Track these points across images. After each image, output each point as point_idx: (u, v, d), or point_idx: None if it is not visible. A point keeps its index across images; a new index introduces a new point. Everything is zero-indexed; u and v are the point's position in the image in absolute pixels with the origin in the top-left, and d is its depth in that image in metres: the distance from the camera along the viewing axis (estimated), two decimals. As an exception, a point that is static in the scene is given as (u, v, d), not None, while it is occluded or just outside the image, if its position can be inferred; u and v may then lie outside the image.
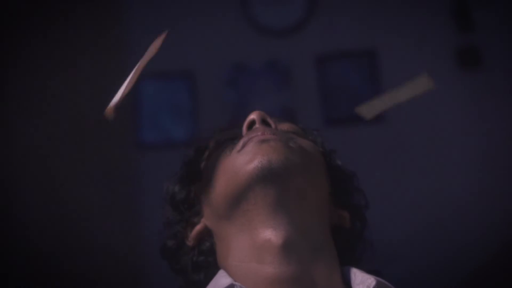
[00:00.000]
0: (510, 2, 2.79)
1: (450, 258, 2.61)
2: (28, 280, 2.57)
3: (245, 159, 0.81)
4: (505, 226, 2.60)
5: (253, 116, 0.88)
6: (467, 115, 2.82)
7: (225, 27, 2.93)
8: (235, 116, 2.73)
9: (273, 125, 0.87)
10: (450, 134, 2.82)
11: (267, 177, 0.79)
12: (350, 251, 0.91)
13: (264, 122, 0.87)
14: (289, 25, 2.93)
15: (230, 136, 0.92)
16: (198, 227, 0.91)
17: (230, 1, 2.96)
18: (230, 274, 0.82)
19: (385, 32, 2.88)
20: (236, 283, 0.79)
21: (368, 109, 0.84)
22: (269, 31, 2.92)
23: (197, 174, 0.94)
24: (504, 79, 2.79)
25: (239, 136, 0.89)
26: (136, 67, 0.83)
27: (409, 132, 2.81)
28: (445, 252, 2.63)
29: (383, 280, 0.81)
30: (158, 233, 0.97)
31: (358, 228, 0.94)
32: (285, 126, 0.93)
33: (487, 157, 2.75)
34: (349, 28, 2.91)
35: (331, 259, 0.82)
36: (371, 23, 2.89)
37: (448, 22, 2.84)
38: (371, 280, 0.80)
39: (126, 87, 0.84)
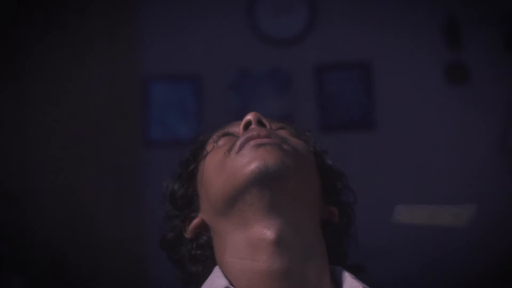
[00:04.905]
0: (496, 22, 2.79)
1: (435, 256, 2.62)
2: (38, 268, 2.56)
3: (243, 161, 0.79)
4: (486, 226, 2.61)
5: (249, 116, 0.86)
6: (454, 125, 2.82)
7: (232, 35, 2.93)
8: (237, 118, 2.72)
9: (268, 126, 0.86)
10: (438, 143, 2.81)
11: (263, 180, 0.77)
12: (337, 246, 0.89)
13: (259, 122, 0.86)
14: (291, 36, 2.92)
15: (227, 134, 0.91)
16: (195, 221, 0.89)
17: (237, 11, 2.95)
18: (226, 270, 0.80)
19: (380, 46, 2.88)
20: (231, 286, 0.77)
21: (406, 214, 0.82)
22: (272, 41, 2.91)
23: (195, 172, 0.92)
24: (490, 94, 2.79)
25: (236, 135, 0.88)
26: None
27: (400, 140, 2.81)
28: (432, 252, 2.63)
29: None
30: (158, 227, 0.95)
31: (345, 223, 0.93)
32: (279, 127, 0.91)
33: (471, 164, 2.75)
34: (347, 41, 2.90)
35: (322, 258, 0.80)
36: (368, 37, 2.88)
37: (439, 40, 2.84)
38: None
39: None
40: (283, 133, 0.89)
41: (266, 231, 0.77)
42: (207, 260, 0.88)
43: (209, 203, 0.85)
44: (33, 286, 2.51)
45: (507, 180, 2.70)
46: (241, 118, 0.88)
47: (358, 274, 0.82)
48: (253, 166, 0.77)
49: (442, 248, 2.63)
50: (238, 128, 0.89)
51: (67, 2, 2.82)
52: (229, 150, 0.82)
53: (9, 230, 2.57)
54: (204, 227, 0.88)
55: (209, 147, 0.91)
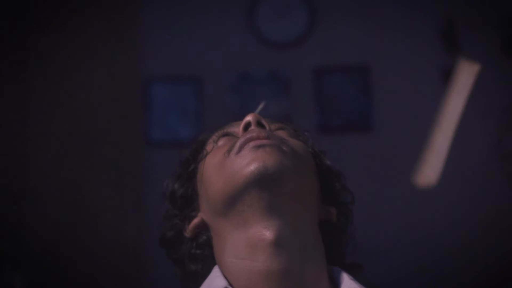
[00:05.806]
0: (494, 27, 2.79)
1: (433, 256, 2.62)
2: (40, 267, 2.56)
3: (242, 163, 0.78)
4: (484, 228, 2.61)
5: (249, 118, 0.86)
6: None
7: (232, 38, 2.93)
8: (236, 120, 2.72)
9: (267, 127, 0.85)
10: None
11: (262, 181, 0.77)
12: (335, 246, 0.89)
13: (259, 124, 0.85)
14: (291, 39, 2.91)
15: (226, 134, 0.91)
16: (195, 220, 0.89)
17: (238, 14, 2.95)
18: (225, 270, 0.80)
19: (378, 50, 2.88)
20: (230, 287, 0.77)
21: None
22: (272, 44, 2.91)
23: (195, 172, 0.91)
24: (487, 98, 2.78)
25: (235, 136, 0.88)
26: None
27: (398, 142, 2.80)
28: (430, 253, 2.63)
29: None
30: (158, 225, 0.95)
31: (343, 223, 0.92)
32: (278, 127, 0.91)
33: (469, 167, 2.75)
34: (345, 45, 2.90)
35: (320, 259, 0.80)
36: (366, 41, 2.88)
37: (437, 44, 2.84)
38: None
39: None
40: (282, 133, 0.89)
41: (265, 231, 0.77)
42: (206, 259, 0.88)
43: (208, 203, 0.85)
44: (35, 285, 2.51)
45: (504, 184, 2.70)
46: (241, 119, 0.87)
47: (355, 272, 0.82)
48: (252, 167, 0.77)
49: (440, 249, 2.63)
50: (237, 128, 0.88)
51: (69, 4, 2.82)
52: (229, 151, 0.82)
53: (11, 229, 2.57)
54: (203, 227, 0.88)
55: (209, 147, 0.90)
